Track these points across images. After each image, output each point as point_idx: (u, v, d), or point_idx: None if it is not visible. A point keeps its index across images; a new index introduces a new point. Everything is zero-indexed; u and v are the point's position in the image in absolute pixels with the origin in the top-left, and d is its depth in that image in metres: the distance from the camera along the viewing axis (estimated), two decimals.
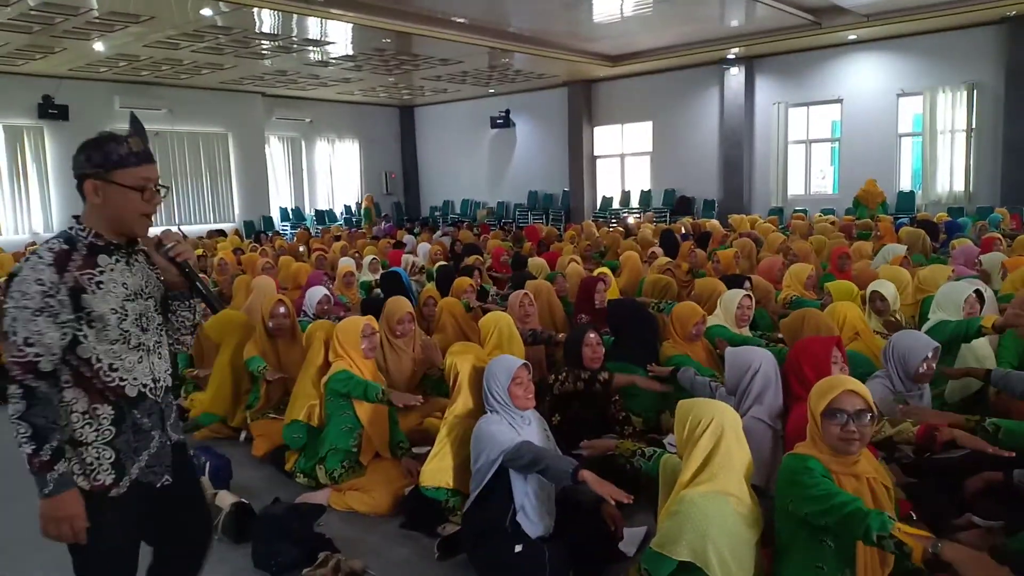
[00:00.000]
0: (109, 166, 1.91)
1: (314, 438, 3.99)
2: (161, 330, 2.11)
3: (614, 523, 2.99)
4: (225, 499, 3.41)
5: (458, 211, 21.15)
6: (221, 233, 15.49)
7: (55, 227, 15.51)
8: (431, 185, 22.89)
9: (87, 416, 1.94)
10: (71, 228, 1.96)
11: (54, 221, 15.69)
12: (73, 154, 1.93)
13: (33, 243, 13.33)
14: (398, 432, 4.05)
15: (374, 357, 4.07)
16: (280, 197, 20.42)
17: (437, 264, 8.33)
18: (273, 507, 3.37)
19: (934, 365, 3.36)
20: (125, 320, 1.96)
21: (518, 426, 3.05)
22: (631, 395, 4.15)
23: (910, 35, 13.73)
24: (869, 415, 2.39)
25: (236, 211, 18.85)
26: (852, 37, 14.09)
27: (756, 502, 2.44)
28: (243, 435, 4.78)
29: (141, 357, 2.00)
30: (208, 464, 3.80)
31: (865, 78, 14.68)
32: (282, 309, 4.68)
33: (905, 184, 14.77)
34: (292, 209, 20.34)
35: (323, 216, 20.57)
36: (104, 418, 1.95)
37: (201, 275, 2.07)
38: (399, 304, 4.64)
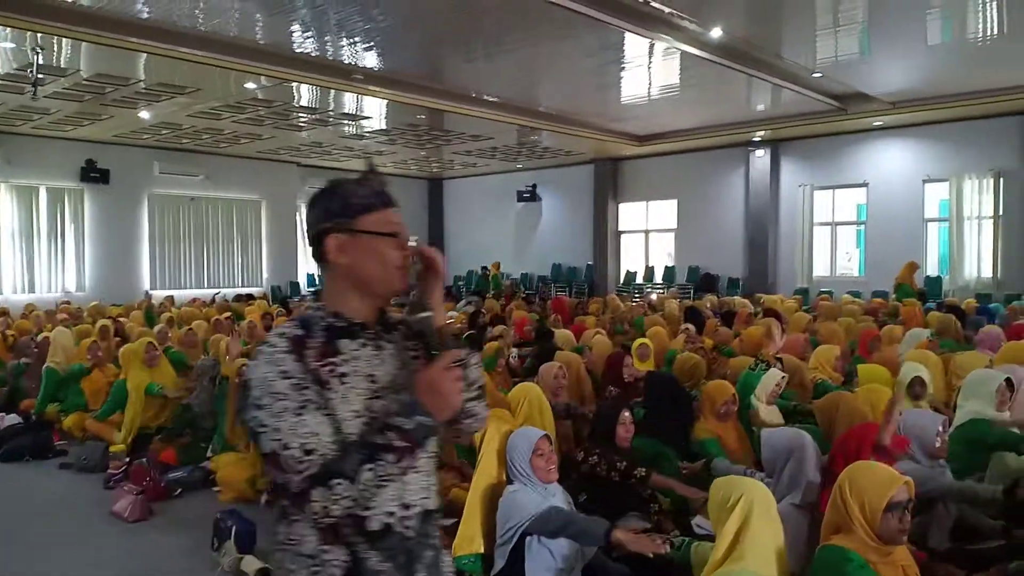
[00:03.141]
0: (352, 213, 1.54)
1: None
2: None
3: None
4: (251, 564, 3.39)
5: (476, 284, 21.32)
6: (250, 297, 15.71)
7: (87, 287, 15.87)
8: (456, 255, 23.11)
9: (315, 563, 1.44)
10: (307, 310, 1.59)
11: (87, 281, 16.04)
12: (307, 213, 1.60)
13: (67, 302, 13.58)
14: None
15: None
16: (309, 263, 20.73)
17: (464, 334, 8.36)
18: None
19: (947, 438, 3.39)
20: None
21: (543, 497, 3.04)
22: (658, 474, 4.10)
23: (935, 123, 13.88)
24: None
25: (264, 276, 19.15)
26: (878, 123, 14.29)
27: None
28: (264, 497, 4.77)
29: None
30: (234, 528, 3.79)
31: (891, 163, 14.82)
32: None
33: (932, 269, 14.71)
34: (319, 276, 20.57)
35: None
36: (335, 566, 1.44)
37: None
38: None
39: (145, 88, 11.44)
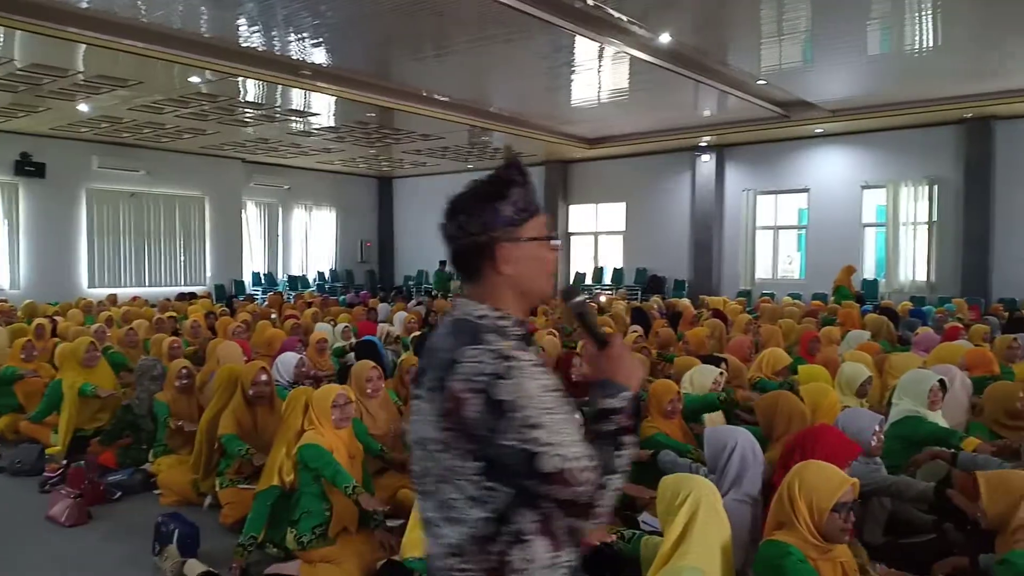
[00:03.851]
0: (521, 219, 1.47)
1: (284, 506, 3.92)
2: None
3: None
4: (193, 568, 3.33)
5: (431, 281, 21.22)
6: (192, 296, 15.36)
7: (22, 284, 15.32)
8: (406, 255, 23.03)
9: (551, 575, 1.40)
10: (481, 316, 1.44)
11: (21, 278, 15.49)
12: (460, 217, 1.48)
13: (4, 300, 13.06)
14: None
15: (347, 427, 4.05)
16: (254, 262, 20.37)
17: (413, 334, 8.33)
18: None
19: (883, 436, 3.55)
20: None
21: None
22: None
23: (874, 131, 14.37)
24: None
25: (208, 274, 18.75)
26: (819, 130, 14.70)
27: None
28: (207, 501, 4.69)
29: None
30: (176, 532, 3.71)
31: (831, 169, 15.26)
32: (264, 377, 4.65)
33: (869, 273, 15.19)
34: (265, 274, 20.28)
35: (296, 282, 20.53)
36: (565, 567, 1.42)
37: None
38: (363, 365, 4.82)
39: (84, 80, 11.10)
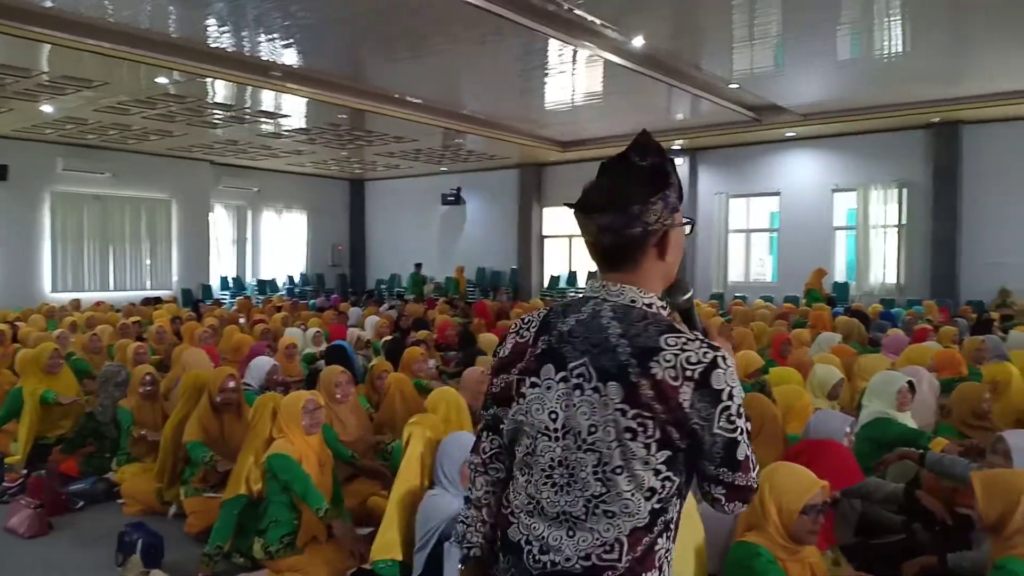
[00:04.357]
0: (679, 205, 1.46)
1: (252, 515, 3.84)
2: None
3: None
4: None
5: (404, 285, 21.12)
6: (158, 300, 15.12)
7: None
8: (379, 258, 22.89)
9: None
10: (649, 304, 1.42)
11: None
12: (634, 208, 1.39)
13: None
14: (342, 510, 3.92)
15: (317, 433, 3.97)
16: (222, 266, 20.10)
17: (384, 339, 8.25)
18: None
19: (853, 438, 3.57)
20: None
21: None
22: None
23: (844, 135, 14.54)
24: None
25: (175, 278, 18.45)
26: (790, 134, 14.85)
27: None
28: (172, 510, 4.58)
29: None
30: (140, 541, 3.61)
31: (802, 173, 15.42)
32: (232, 383, 4.54)
33: (840, 275, 15.37)
34: (233, 278, 20.02)
35: (265, 286, 20.29)
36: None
37: None
38: (332, 369, 4.76)
39: (48, 80, 10.87)
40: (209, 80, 10.86)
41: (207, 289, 18.73)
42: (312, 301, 16.26)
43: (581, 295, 1.49)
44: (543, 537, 1.40)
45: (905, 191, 14.22)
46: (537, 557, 1.40)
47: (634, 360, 1.33)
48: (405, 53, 10.21)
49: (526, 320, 1.54)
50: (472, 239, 20.70)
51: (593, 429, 1.35)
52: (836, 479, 2.88)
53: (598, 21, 8.83)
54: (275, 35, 9.43)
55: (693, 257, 16.77)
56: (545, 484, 1.41)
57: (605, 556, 1.35)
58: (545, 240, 19.75)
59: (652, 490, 1.35)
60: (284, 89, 11.36)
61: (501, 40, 9.30)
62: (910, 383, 4.36)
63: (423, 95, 12.78)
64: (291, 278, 21.39)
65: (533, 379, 1.44)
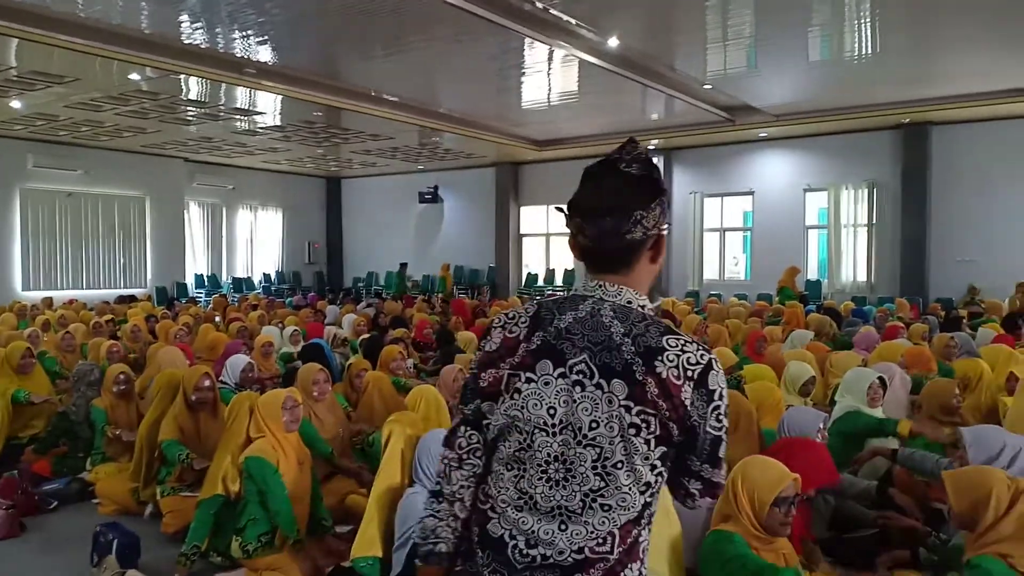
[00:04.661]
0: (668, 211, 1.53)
1: (229, 514, 3.82)
2: None
3: None
4: None
5: (382, 283, 21.06)
6: (132, 299, 14.93)
7: None
8: (356, 256, 22.79)
9: None
10: (643, 306, 1.48)
11: None
12: (636, 214, 1.44)
13: None
14: (321, 508, 3.92)
15: (296, 430, 3.97)
16: (197, 264, 19.90)
17: (362, 337, 8.24)
18: None
19: (827, 434, 3.62)
20: None
21: None
22: None
23: (816, 135, 14.73)
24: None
25: (149, 276, 18.24)
26: (763, 134, 15.01)
27: None
28: (148, 509, 4.54)
29: None
30: (116, 541, 3.59)
31: (775, 173, 15.60)
32: (207, 382, 4.51)
33: (812, 274, 15.57)
34: (208, 276, 19.83)
35: (240, 284, 20.12)
36: None
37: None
38: (309, 367, 4.77)
39: (17, 76, 10.70)
40: (182, 77, 10.75)
41: (182, 287, 18.54)
42: (289, 299, 16.15)
43: (574, 293, 1.52)
44: (533, 531, 1.42)
45: (875, 190, 14.45)
46: (524, 551, 1.42)
47: (639, 359, 1.38)
48: (381, 51, 10.20)
49: (512, 315, 1.54)
50: (449, 237, 20.68)
51: (595, 425, 1.38)
52: (813, 477, 2.94)
53: (573, 21, 8.87)
54: (249, 31, 9.36)
55: (669, 256, 16.90)
56: (540, 479, 1.43)
57: (598, 549, 1.39)
58: (523, 239, 19.79)
59: (647, 484, 1.40)
60: (259, 86, 11.27)
61: (477, 39, 9.31)
62: (881, 379, 4.45)
63: (399, 93, 12.75)
64: (267, 276, 21.24)
65: (529, 374, 1.45)
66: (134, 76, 10.73)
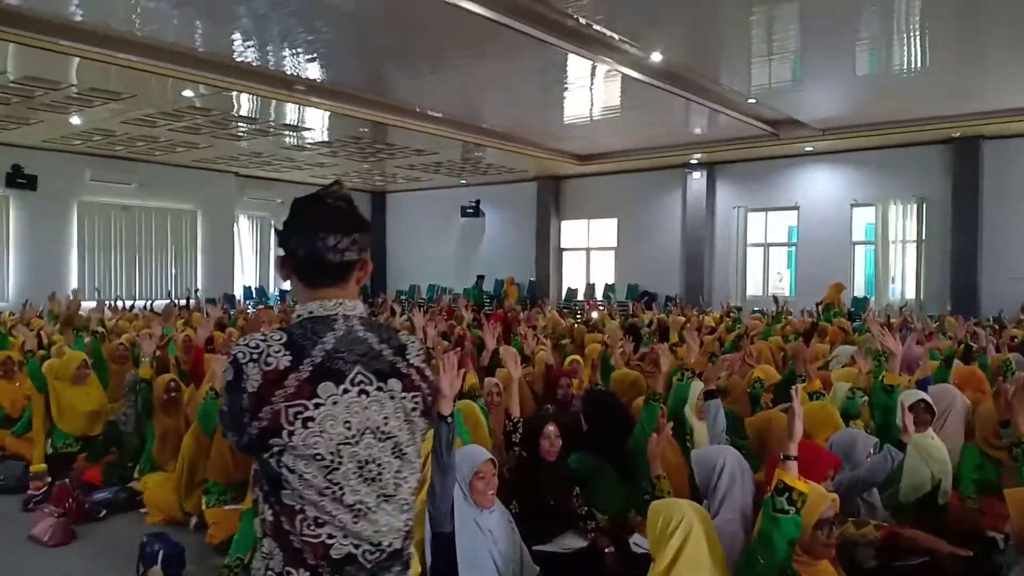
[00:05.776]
0: None
1: None
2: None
3: None
4: None
5: (424, 296, 21.20)
6: (188, 308, 15.25)
7: (11, 297, 15.22)
8: (398, 269, 23.00)
9: None
10: (371, 314, 1.69)
11: (10, 290, 15.40)
12: (355, 235, 1.65)
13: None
14: None
15: None
16: (245, 275, 20.31)
17: None
18: None
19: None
20: None
21: (474, 520, 3.06)
22: (595, 490, 4.13)
23: (863, 149, 14.46)
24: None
25: (199, 288, 18.65)
26: (808, 149, 14.80)
27: None
28: (193, 521, 4.63)
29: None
30: (161, 552, 3.67)
31: (821, 187, 15.35)
32: None
33: (859, 290, 15.26)
34: (256, 288, 20.21)
35: (286, 296, 20.42)
36: None
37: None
38: None
39: (77, 93, 11.09)
40: (234, 93, 11.04)
41: (231, 299, 18.91)
42: None
43: (316, 314, 1.60)
44: (377, 531, 1.55)
45: (924, 206, 14.12)
46: (372, 551, 1.54)
47: (399, 357, 1.63)
48: (426, 68, 10.33)
49: (255, 346, 1.51)
50: (491, 251, 20.76)
51: (386, 420, 1.58)
52: (820, 471, 2.91)
53: (616, 36, 8.89)
54: (299, 50, 9.57)
55: (711, 271, 16.74)
56: (362, 485, 1.54)
57: (409, 521, 1.63)
58: (563, 253, 19.78)
59: (417, 475, 1.66)
60: (307, 103, 11.52)
61: (521, 56, 9.38)
62: (926, 403, 4.32)
63: (444, 109, 12.89)
64: None
65: (316, 400, 1.50)
66: (187, 93, 11.04)
